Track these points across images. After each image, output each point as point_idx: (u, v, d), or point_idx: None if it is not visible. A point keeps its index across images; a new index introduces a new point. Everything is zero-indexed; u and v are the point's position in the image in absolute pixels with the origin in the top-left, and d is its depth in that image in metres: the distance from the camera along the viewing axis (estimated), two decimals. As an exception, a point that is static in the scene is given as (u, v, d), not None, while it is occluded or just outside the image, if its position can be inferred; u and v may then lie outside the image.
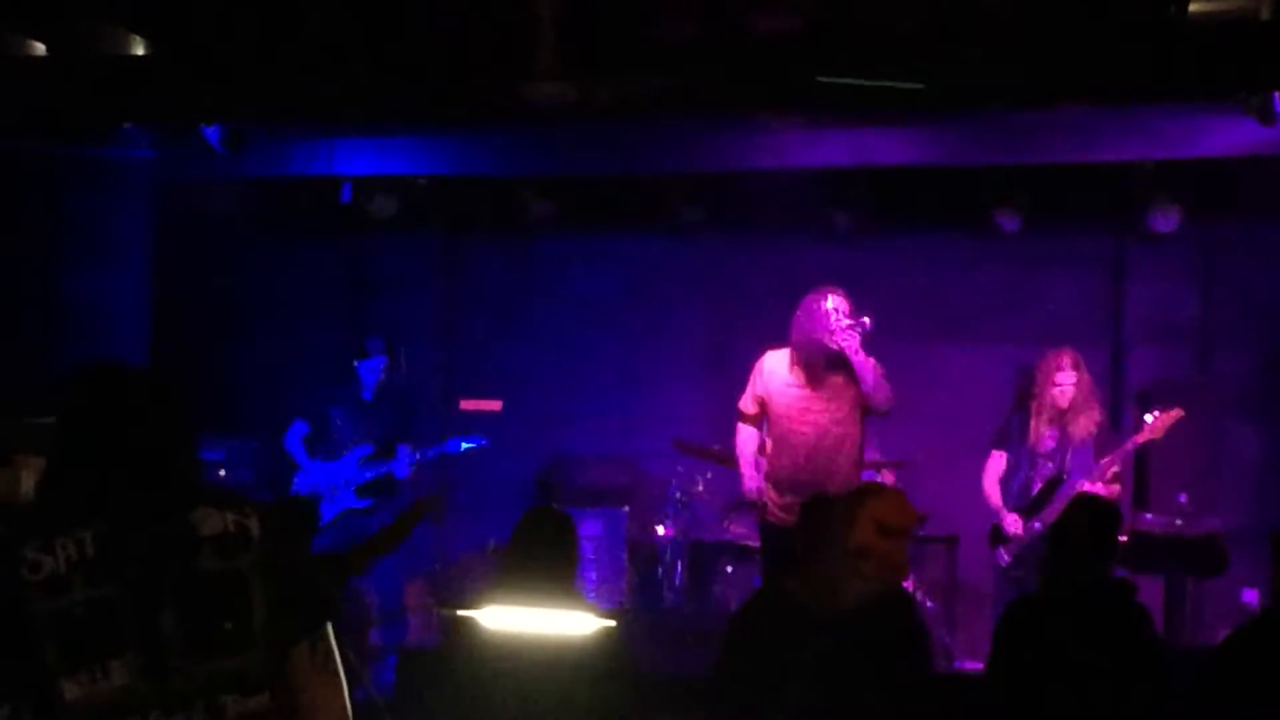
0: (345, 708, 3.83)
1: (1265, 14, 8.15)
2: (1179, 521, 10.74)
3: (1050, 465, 9.93)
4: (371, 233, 12.96)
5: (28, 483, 9.04)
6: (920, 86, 8.86)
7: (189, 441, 3.82)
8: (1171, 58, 8.58)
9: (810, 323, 9.34)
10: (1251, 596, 10.63)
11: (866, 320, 9.26)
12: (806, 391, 9.37)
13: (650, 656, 9.84)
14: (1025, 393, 10.25)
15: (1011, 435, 10.15)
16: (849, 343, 9.18)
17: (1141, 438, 9.86)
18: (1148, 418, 9.90)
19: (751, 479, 9.68)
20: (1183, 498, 10.91)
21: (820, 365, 9.31)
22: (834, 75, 8.80)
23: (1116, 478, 9.84)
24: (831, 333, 9.21)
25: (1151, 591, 10.07)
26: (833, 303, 9.32)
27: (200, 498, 3.65)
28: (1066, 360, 9.91)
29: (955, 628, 11.17)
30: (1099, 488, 9.62)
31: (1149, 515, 10.68)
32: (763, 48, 9.02)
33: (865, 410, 9.36)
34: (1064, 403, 9.88)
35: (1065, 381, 9.87)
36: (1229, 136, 10.01)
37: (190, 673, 3.49)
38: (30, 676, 3.46)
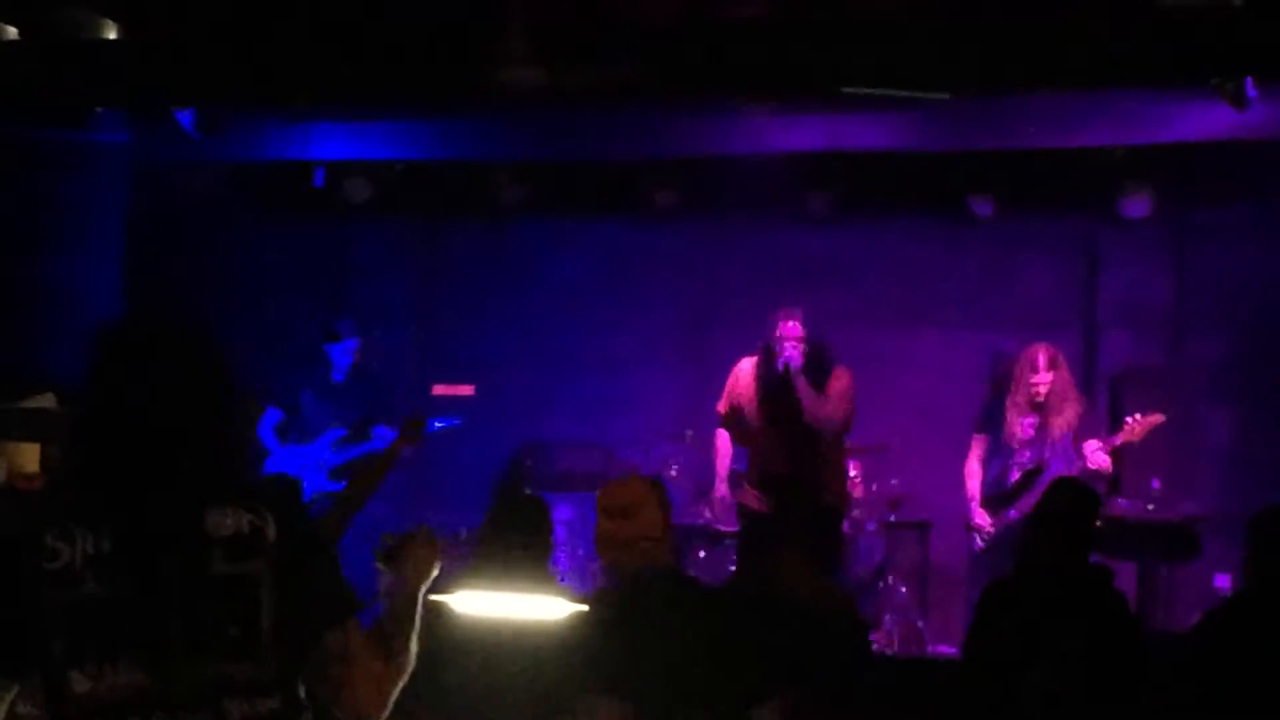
0: (380, 692, 3.72)
1: (1238, -1, 8.17)
2: (1152, 507, 10.76)
3: (1028, 454, 9.94)
4: (346, 217, 12.93)
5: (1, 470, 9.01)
6: (946, 96, 8.88)
7: (218, 424, 3.65)
8: (1145, 43, 8.60)
9: (767, 341, 9.52)
10: (1224, 581, 10.66)
11: (795, 357, 9.38)
12: (770, 406, 9.49)
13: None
14: (1002, 382, 10.26)
15: (989, 421, 10.17)
16: (792, 365, 9.33)
17: (1119, 439, 9.88)
18: (1127, 420, 9.92)
19: (721, 490, 9.86)
20: (1156, 483, 10.92)
21: (779, 381, 9.45)
22: (853, 83, 8.82)
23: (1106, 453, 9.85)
24: (779, 355, 9.37)
25: (1124, 577, 10.07)
26: (780, 330, 9.47)
27: (217, 495, 3.50)
28: (1042, 360, 9.91)
29: (928, 612, 11.19)
30: (1094, 459, 9.67)
31: (1122, 500, 10.69)
32: (735, 32, 9.02)
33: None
34: (1040, 399, 9.89)
35: (1039, 381, 9.88)
36: (1202, 121, 10.02)
37: (196, 676, 3.41)
38: (39, 665, 3.41)
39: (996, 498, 9.98)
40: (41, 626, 3.41)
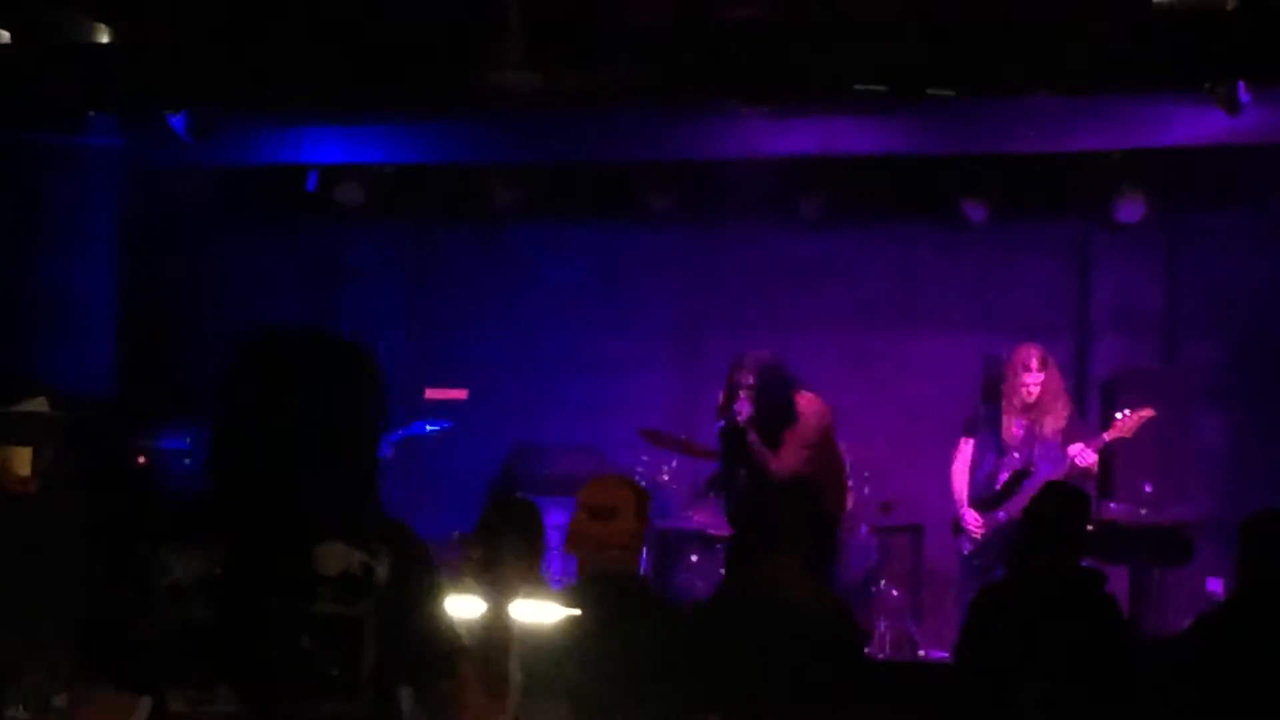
0: None
1: (1231, 3, 8.18)
2: (1144, 511, 10.75)
3: (1018, 456, 9.95)
4: (339, 221, 12.92)
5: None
6: (952, 93, 8.88)
7: (354, 457, 3.59)
8: (1138, 47, 8.61)
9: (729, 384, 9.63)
10: (1216, 586, 10.65)
11: (743, 410, 9.42)
12: (730, 451, 9.58)
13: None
14: (994, 385, 10.26)
15: (980, 424, 10.17)
16: (739, 418, 9.41)
17: (1110, 435, 9.88)
18: (1118, 415, 9.92)
19: None
20: (1148, 487, 10.92)
21: (735, 430, 9.54)
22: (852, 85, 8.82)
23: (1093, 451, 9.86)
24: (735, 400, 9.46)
25: (1117, 581, 10.06)
26: (734, 378, 9.53)
27: (332, 531, 3.40)
28: (1034, 360, 9.91)
29: (921, 616, 11.19)
30: (1085, 458, 9.69)
31: (1114, 504, 10.69)
32: (731, 35, 9.03)
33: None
34: (1031, 400, 9.90)
35: (1031, 381, 9.88)
36: (1195, 126, 10.03)
37: (292, 713, 3.34)
38: (142, 680, 3.40)
39: (985, 499, 9.99)
40: (148, 640, 3.39)
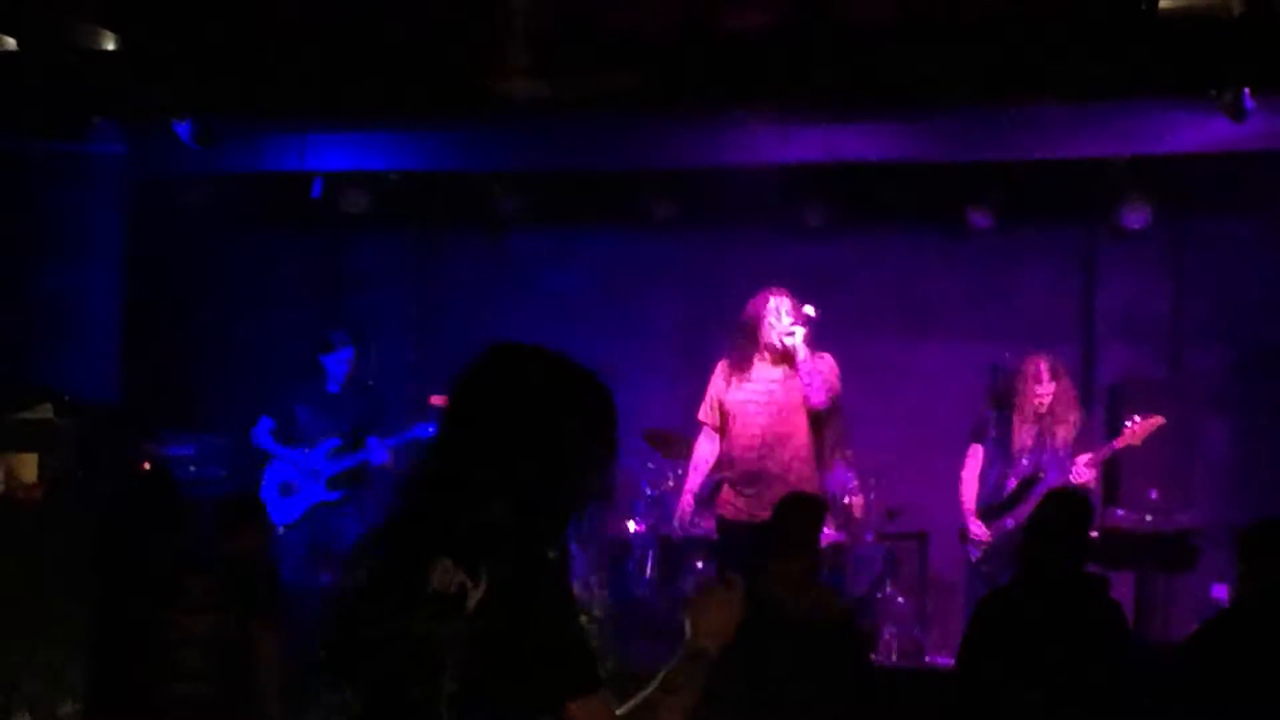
0: None
1: (1236, 10, 8.18)
2: (1150, 518, 10.76)
3: (1026, 463, 9.94)
4: (344, 228, 12.93)
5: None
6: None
7: (496, 472, 3.40)
8: (1143, 54, 8.61)
9: (749, 321, 9.44)
10: (1221, 592, 10.64)
11: (810, 311, 9.32)
12: (747, 389, 9.44)
13: (621, 651, 9.84)
14: (1003, 395, 10.24)
15: (988, 431, 10.16)
16: (792, 344, 9.26)
17: (1120, 443, 9.88)
18: (1127, 424, 9.92)
19: (687, 501, 9.84)
20: (1154, 494, 10.93)
21: (756, 362, 9.39)
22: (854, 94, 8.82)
23: (1094, 464, 9.85)
24: (773, 329, 9.30)
25: (1122, 587, 10.08)
26: (773, 304, 9.39)
27: (445, 547, 3.31)
28: (1044, 371, 9.91)
29: (927, 623, 11.18)
30: (1082, 475, 9.68)
31: (1120, 511, 10.70)
32: (734, 44, 9.03)
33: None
34: (1044, 410, 9.89)
35: (1043, 392, 9.88)
36: (1200, 133, 10.02)
37: None
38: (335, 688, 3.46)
39: (993, 506, 9.98)
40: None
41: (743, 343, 9.51)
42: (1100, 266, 12.41)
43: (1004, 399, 10.13)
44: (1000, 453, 10.02)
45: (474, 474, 3.39)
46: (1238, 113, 9.15)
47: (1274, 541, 6.64)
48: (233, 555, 7.68)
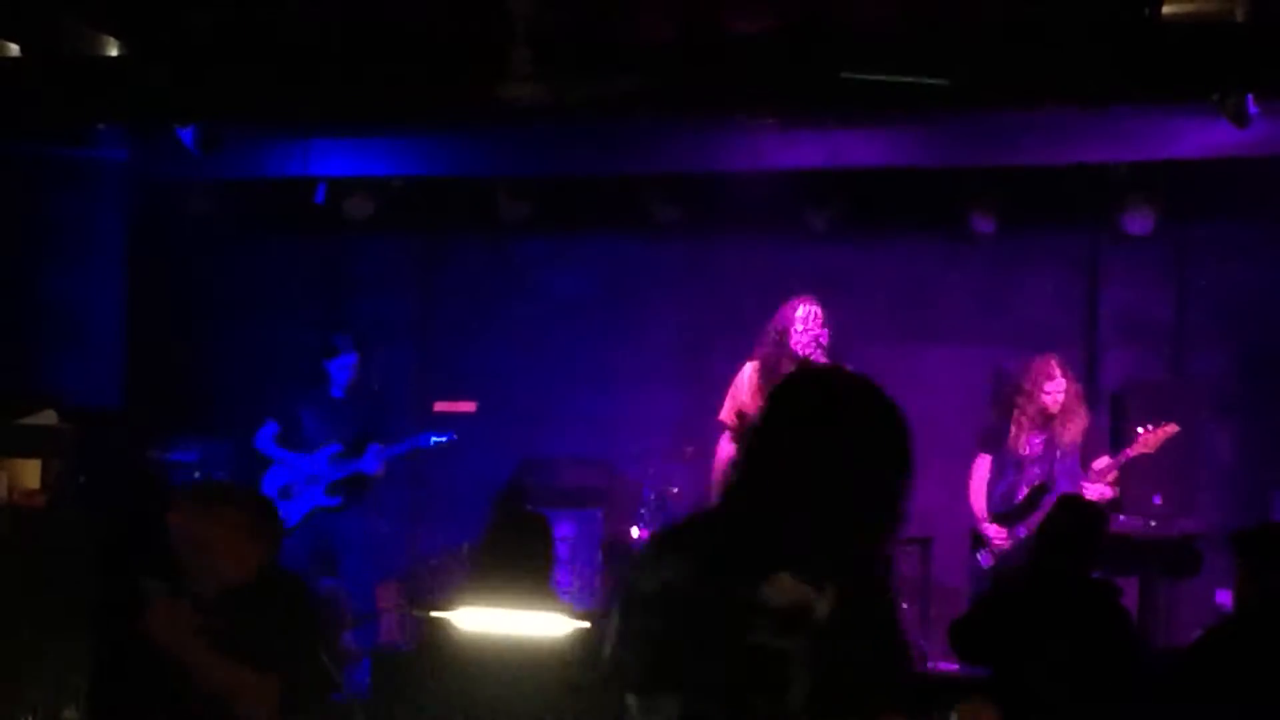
0: None
1: (1239, 15, 8.17)
2: (1154, 523, 10.76)
3: (1036, 471, 9.95)
4: (347, 233, 12.93)
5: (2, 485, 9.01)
6: (945, 82, 8.85)
7: (851, 494, 3.43)
8: (1146, 59, 8.60)
9: (776, 332, 9.43)
10: (1225, 597, 10.62)
11: (823, 334, 9.31)
12: None
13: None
14: (1008, 398, 10.24)
15: (997, 439, 10.15)
16: (810, 353, 9.24)
17: (1133, 451, 9.89)
18: (1140, 431, 9.92)
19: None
20: (1157, 499, 10.92)
21: (783, 371, 9.38)
22: (850, 72, 8.79)
23: (1114, 481, 9.86)
24: (795, 342, 9.29)
25: (1126, 592, 10.09)
26: (802, 311, 9.39)
27: (785, 562, 3.30)
28: (1055, 368, 9.93)
29: (930, 629, 11.17)
30: (1095, 489, 9.69)
31: (1123, 517, 10.68)
32: (738, 48, 9.03)
33: None
34: (1054, 409, 9.90)
35: (1055, 390, 9.90)
36: (1203, 138, 10.02)
37: None
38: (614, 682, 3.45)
39: (1004, 515, 9.98)
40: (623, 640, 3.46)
41: (772, 350, 9.51)
42: (1103, 271, 12.40)
43: (1010, 405, 10.13)
44: (1010, 461, 10.02)
45: (805, 487, 3.40)
46: (1241, 118, 9.13)
47: (1276, 547, 6.64)
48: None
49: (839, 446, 3.44)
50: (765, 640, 3.25)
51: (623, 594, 3.49)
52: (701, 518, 3.57)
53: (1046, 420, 9.91)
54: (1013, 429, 9.99)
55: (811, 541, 3.34)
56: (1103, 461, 9.80)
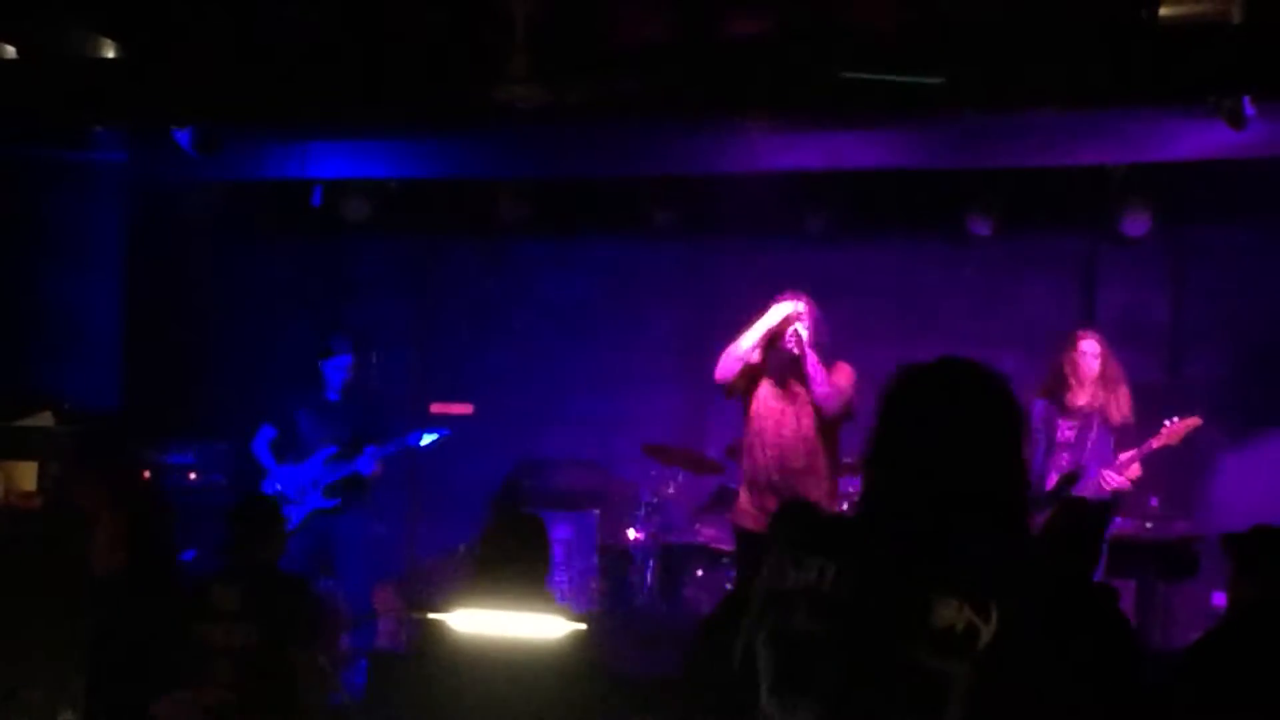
0: None
1: (1236, 17, 8.18)
2: (1150, 525, 10.76)
3: (1066, 457, 9.94)
4: (345, 236, 12.94)
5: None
6: (941, 80, 8.84)
7: (990, 508, 3.35)
8: (1143, 61, 8.60)
9: (773, 331, 9.44)
10: (1222, 599, 10.65)
11: (803, 331, 9.31)
12: (774, 397, 9.43)
13: (621, 659, 9.83)
14: (1050, 385, 10.18)
15: (1035, 424, 10.11)
16: (798, 347, 9.24)
17: (1158, 442, 9.91)
18: (1166, 423, 9.94)
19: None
20: (1154, 501, 10.94)
21: (783, 371, 9.38)
22: (846, 72, 8.79)
23: (1134, 476, 9.91)
24: (784, 338, 9.29)
25: (1123, 594, 10.10)
26: (791, 308, 9.40)
27: (955, 583, 3.21)
28: (1088, 334, 10.01)
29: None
30: (1115, 480, 9.72)
31: (1120, 519, 10.69)
32: (735, 50, 9.03)
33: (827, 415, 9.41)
34: (1097, 370, 9.92)
35: (1093, 353, 9.93)
36: (1200, 140, 10.02)
37: None
38: (741, 680, 3.39)
39: (1031, 502, 9.98)
40: (750, 638, 3.39)
41: (771, 353, 9.52)
42: (1100, 273, 12.42)
43: (1051, 390, 10.10)
44: (1043, 447, 10.01)
45: (955, 490, 3.35)
46: (1238, 120, 9.14)
47: (1275, 549, 6.64)
48: (259, 563, 7.63)
49: (981, 442, 3.40)
50: (926, 660, 3.19)
51: (755, 594, 3.42)
52: (841, 520, 3.56)
53: (1076, 409, 9.92)
54: (1054, 412, 9.98)
55: (978, 557, 3.28)
56: (1128, 454, 9.82)
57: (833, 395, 9.30)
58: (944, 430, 3.39)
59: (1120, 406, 9.98)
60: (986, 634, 3.17)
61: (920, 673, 3.18)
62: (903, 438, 3.44)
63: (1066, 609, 3.30)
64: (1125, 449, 9.94)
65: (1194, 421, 9.88)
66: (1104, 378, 9.98)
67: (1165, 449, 10.01)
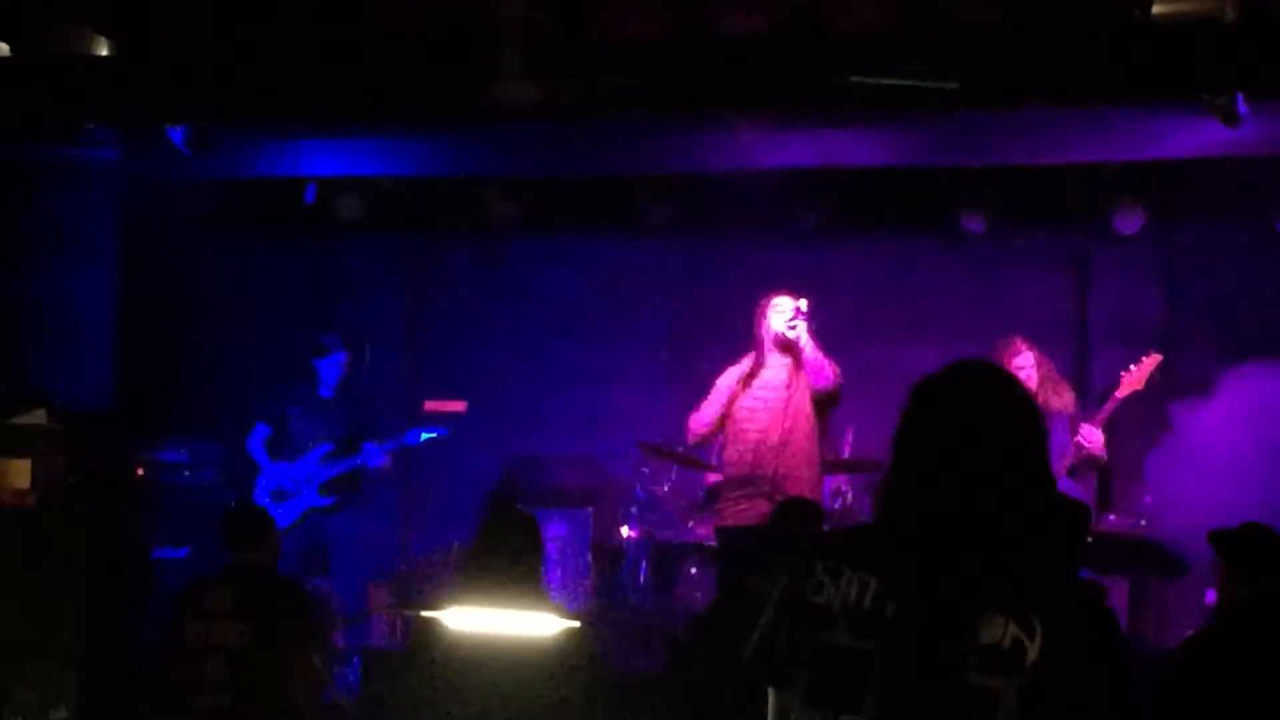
0: None
1: (1229, 15, 8.18)
2: (1143, 522, 10.76)
3: None
4: (337, 234, 12.93)
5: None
6: (956, 85, 8.84)
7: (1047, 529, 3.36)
8: (1136, 59, 8.60)
9: (756, 326, 9.48)
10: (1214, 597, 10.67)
11: (802, 305, 9.35)
12: (753, 390, 9.45)
13: (614, 656, 9.84)
14: None
15: None
16: (795, 335, 9.29)
17: (1122, 392, 9.98)
18: (1124, 372, 9.99)
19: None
20: (1147, 499, 10.94)
21: (765, 364, 9.42)
22: (862, 75, 8.79)
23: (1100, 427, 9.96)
24: (774, 328, 9.34)
25: (1116, 592, 10.10)
26: (776, 304, 9.45)
27: (1000, 600, 3.20)
28: (1019, 344, 10.01)
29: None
30: (1093, 437, 9.77)
31: (1113, 516, 10.70)
32: (728, 48, 9.03)
33: (817, 404, 9.42)
34: (1036, 381, 9.95)
35: (1025, 364, 9.96)
36: (1193, 138, 10.02)
37: None
38: (750, 678, 3.40)
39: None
40: (785, 655, 3.36)
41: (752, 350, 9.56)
42: (1094, 271, 12.43)
43: None
44: None
45: (998, 512, 3.30)
46: (1231, 118, 9.14)
47: (1265, 548, 6.64)
48: (252, 566, 7.65)
49: (1015, 451, 3.36)
50: (974, 679, 3.18)
51: (786, 598, 3.39)
52: (878, 533, 3.44)
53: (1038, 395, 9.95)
54: None
55: (1017, 571, 3.26)
56: (1086, 430, 9.88)
57: (822, 371, 9.34)
58: (980, 442, 3.34)
59: (1064, 401, 10.02)
60: (1033, 650, 3.18)
61: (969, 691, 3.18)
62: (935, 449, 3.39)
63: (1096, 620, 3.30)
64: (1078, 431, 9.99)
65: (1154, 359, 9.93)
66: (1043, 383, 10.01)
67: (1134, 395, 10.06)
